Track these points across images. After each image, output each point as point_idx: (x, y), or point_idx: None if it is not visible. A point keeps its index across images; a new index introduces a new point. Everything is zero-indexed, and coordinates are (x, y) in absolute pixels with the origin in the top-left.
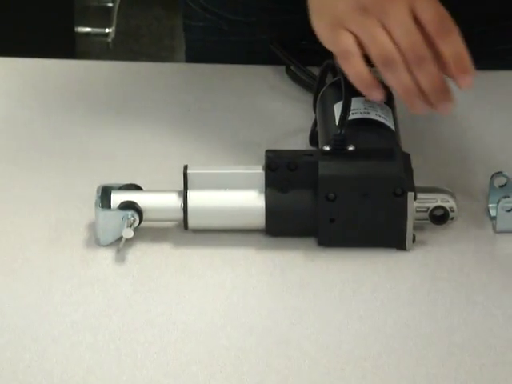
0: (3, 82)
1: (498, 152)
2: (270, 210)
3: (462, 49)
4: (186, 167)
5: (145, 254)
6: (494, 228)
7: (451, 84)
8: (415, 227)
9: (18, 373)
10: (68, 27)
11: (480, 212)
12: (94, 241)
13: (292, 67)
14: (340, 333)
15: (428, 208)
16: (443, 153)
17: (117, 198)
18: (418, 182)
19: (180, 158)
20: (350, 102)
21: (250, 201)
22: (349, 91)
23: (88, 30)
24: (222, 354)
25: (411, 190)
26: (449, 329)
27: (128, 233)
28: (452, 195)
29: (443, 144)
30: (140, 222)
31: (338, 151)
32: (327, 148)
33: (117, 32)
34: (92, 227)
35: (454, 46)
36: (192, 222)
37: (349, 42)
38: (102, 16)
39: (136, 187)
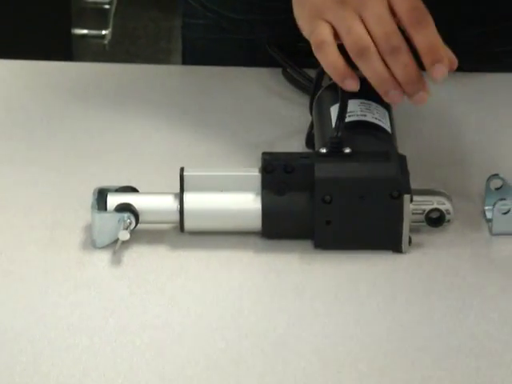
0: (0, 83)
1: (495, 154)
2: (267, 212)
3: (436, 40)
4: (182, 169)
5: (141, 257)
6: (490, 230)
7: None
8: (411, 230)
9: (14, 375)
10: (65, 29)
11: (476, 214)
12: (90, 243)
13: (288, 69)
14: (336, 335)
15: (424, 210)
16: (439, 155)
17: (113, 200)
18: (414, 185)
19: (176, 160)
20: (347, 105)
21: (247, 203)
22: (345, 94)
23: (85, 31)
24: (219, 356)
25: (407, 193)
26: (445, 331)
27: (124, 235)
28: (448, 198)
29: (439, 146)
30: (136, 225)
31: (335, 153)
32: (324, 150)
33: (113, 34)
34: (88, 229)
35: (427, 36)
36: (188, 225)
37: (324, 32)
38: (98, 18)
39: (132, 189)
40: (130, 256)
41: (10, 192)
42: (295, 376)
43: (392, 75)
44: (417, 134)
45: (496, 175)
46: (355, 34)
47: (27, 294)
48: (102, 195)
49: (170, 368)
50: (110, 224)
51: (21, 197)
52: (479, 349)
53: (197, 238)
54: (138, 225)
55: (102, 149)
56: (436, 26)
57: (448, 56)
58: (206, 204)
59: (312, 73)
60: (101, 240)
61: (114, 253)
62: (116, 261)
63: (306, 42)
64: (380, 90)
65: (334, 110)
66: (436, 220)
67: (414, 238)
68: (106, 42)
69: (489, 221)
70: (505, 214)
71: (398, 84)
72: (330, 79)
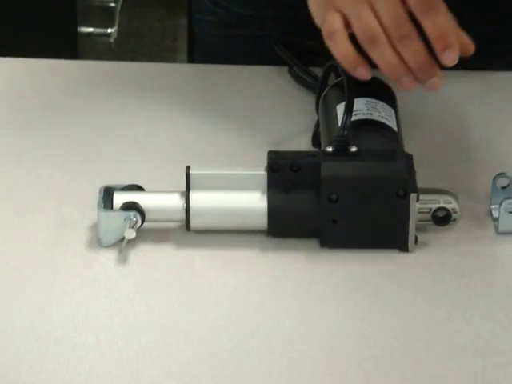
0: (6, 82)
1: (501, 153)
2: (273, 211)
3: (446, 26)
4: (188, 168)
5: (147, 255)
6: (496, 229)
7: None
8: (417, 228)
9: (20, 373)
10: (70, 27)
11: (482, 213)
12: (96, 241)
13: (295, 68)
14: (342, 334)
15: (430, 209)
16: (446, 154)
17: (119, 199)
18: (420, 183)
19: (182, 158)
20: (353, 103)
21: (253, 202)
22: (351, 92)
23: (90, 30)
24: (224, 355)
25: (414, 191)
26: (451, 330)
27: (130, 233)
28: (454, 196)
29: (446, 145)
30: (142, 223)
31: (341, 152)
32: (330, 149)
33: (119, 32)
34: (94, 228)
35: (437, 23)
36: (194, 223)
37: (336, 21)
38: (104, 16)
39: (138, 188)
40: (135, 254)
41: (15, 191)
42: (301, 375)
43: (403, 62)
44: (423, 133)
45: (502, 174)
46: (365, 23)
47: (33, 292)
48: (108, 194)
49: (175, 366)
50: (116, 222)
51: (27, 195)
52: (485, 348)
53: (203, 237)
54: (144, 223)
55: (108, 147)
56: None
57: (462, 41)
58: (212, 202)
59: (318, 71)
60: (107, 238)
61: (120, 251)
62: (122, 259)
63: (314, 40)
64: (392, 77)
65: (340, 109)
66: (442, 219)
67: (421, 237)
68: (111, 40)
69: (495, 219)
70: (511, 212)
71: (410, 70)
72: (337, 78)
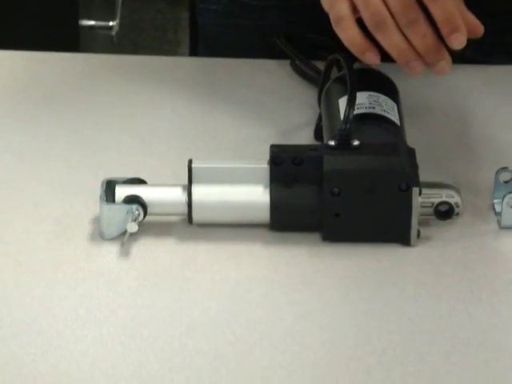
0: (7, 74)
1: (504, 147)
2: (275, 204)
3: (453, 9)
4: (190, 161)
5: (149, 249)
6: (498, 224)
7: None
8: (420, 223)
9: (22, 367)
10: (72, 20)
11: (485, 208)
12: (99, 235)
13: (297, 61)
14: (344, 328)
15: (433, 203)
16: (448, 148)
17: (121, 192)
18: (423, 177)
19: (184, 151)
20: (355, 97)
21: (255, 195)
22: (354, 86)
23: (92, 23)
24: (227, 349)
25: (416, 185)
26: (453, 325)
27: (132, 227)
28: (457, 191)
29: (448, 139)
30: (144, 216)
31: (343, 146)
32: (332, 143)
33: (121, 25)
34: (96, 221)
35: (443, 7)
36: (196, 217)
37: (343, 7)
38: (106, 9)
39: (140, 181)
40: (138, 248)
41: (18, 184)
42: (303, 369)
43: (411, 46)
44: (426, 127)
45: (505, 168)
46: (373, 8)
47: (36, 285)
48: (110, 187)
49: (178, 360)
50: (118, 216)
51: (29, 189)
52: (488, 342)
53: (205, 231)
54: (147, 217)
55: (110, 140)
56: None
57: (470, 22)
58: (214, 196)
59: (320, 65)
60: (109, 232)
61: (122, 245)
62: (124, 253)
63: (317, 31)
64: (400, 61)
65: (343, 103)
66: (445, 213)
67: (423, 231)
68: (113, 33)
69: (498, 214)
70: None
71: (418, 55)
72: (339, 71)
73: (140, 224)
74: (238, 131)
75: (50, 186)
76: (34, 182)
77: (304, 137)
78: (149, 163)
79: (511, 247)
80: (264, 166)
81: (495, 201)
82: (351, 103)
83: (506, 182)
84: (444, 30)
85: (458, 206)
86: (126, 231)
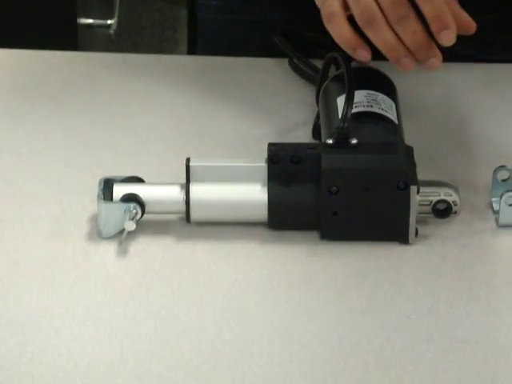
0: (5, 73)
1: (502, 146)
2: (273, 203)
3: (443, 6)
4: (188, 160)
5: (147, 247)
6: (496, 222)
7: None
8: (418, 221)
9: (20, 365)
10: (70, 18)
11: (483, 206)
12: (96, 233)
13: (295, 60)
14: (342, 327)
15: (431, 202)
16: (446, 146)
17: (119, 191)
18: (421, 176)
19: (182, 150)
20: (353, 96)
21: (253, 194)
22: (352, 84)
23: (90, 21)
24: (224, 347)
25: (414, 184)
26: (451, 323)
27: (130, 225)
28: (455, 189)
29: (446, 137)
30: (142, 215)
31: (341, 144)
32: (330, 141)
33: (119, 23)
34: (94, 220)
35: (433, 4)
36: (194, 215)
37: (334, 3)
38: (104, 7)
39: (138, 180)
40: (135, 246)
41: (15, 182)
42: (301, 367)
43: (402, 43)
44: (424, 125)
45: (503, 167)
46: (363, 4)
47: (33, 283)
48: (108, 185)
49: (175, 358)
50: (116, 214)
51: (27, 187)
52: (486, 340)
53: (203, 229)
54: (144, 215)
55: (107, 139)
56: None
57: (463, 19)
58: (212, 195)
59: (319, 63)
60: (107, 230)
61: (120, 243)
62: (122, 251)
63: (316, 27)
64: (391, 58)
65: (341, 101)
66: (443, 211)
67: (421, 230)
68: (111, 31)
69: (496, 212)
70: (511, 205)
71: (409, 51)
72: (337, 70)
73: (138, 222)
74: (236, 129)
75: (47, 184)
76: (32, 180)
77: (302, 135)
78: (147, 162)
79: (509, 245)
80: (262, 164)
81: (493, 199)
82: (349, 102)
83: (504, 181)
84: (434, 27)
85: (456, 205)
86: (123, 230)
